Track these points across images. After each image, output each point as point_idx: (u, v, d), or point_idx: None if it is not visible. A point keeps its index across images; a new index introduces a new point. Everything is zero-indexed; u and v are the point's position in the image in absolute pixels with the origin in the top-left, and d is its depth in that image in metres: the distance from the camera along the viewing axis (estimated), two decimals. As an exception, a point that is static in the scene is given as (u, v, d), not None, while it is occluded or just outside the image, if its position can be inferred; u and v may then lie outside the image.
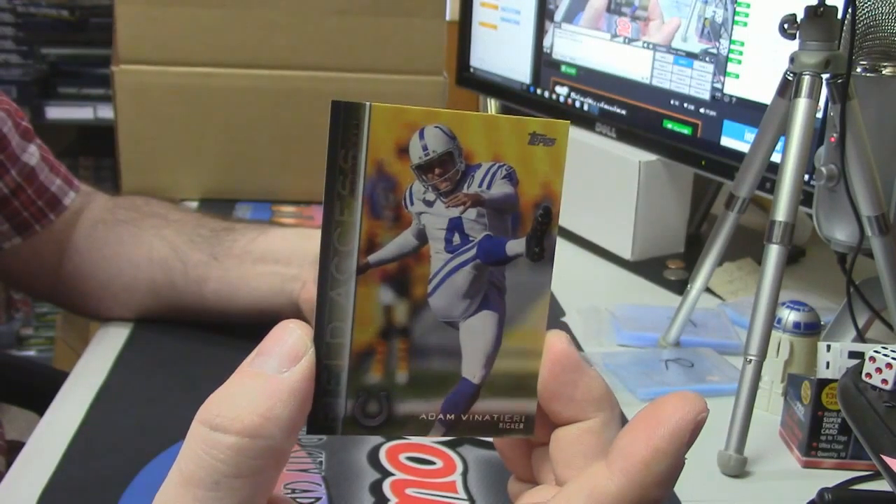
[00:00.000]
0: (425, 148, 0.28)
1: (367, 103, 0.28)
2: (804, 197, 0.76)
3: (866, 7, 0.73)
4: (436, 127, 0.28)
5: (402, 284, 0.29)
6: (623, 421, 0.30)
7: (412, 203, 0.29)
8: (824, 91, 0.72)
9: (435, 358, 0.30)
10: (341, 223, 0.28)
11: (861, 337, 0.77)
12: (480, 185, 0.29)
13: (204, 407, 0.27)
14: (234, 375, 0.28)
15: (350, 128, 0.28)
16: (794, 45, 0.73)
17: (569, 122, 0.30)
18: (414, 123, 0.28)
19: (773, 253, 0.70)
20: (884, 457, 0.50)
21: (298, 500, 0.61)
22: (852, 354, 0.68)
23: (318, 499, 0.61)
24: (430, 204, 0.29)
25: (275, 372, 0.27)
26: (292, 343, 0.28)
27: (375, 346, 0.29)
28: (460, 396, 0.30)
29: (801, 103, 0.71)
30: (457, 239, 0.29)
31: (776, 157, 0.75)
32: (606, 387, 0.30)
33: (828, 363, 0.69)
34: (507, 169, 0.29)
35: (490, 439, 0.71)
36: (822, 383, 0.67)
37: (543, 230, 0.30)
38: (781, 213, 0.70)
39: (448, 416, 0.30)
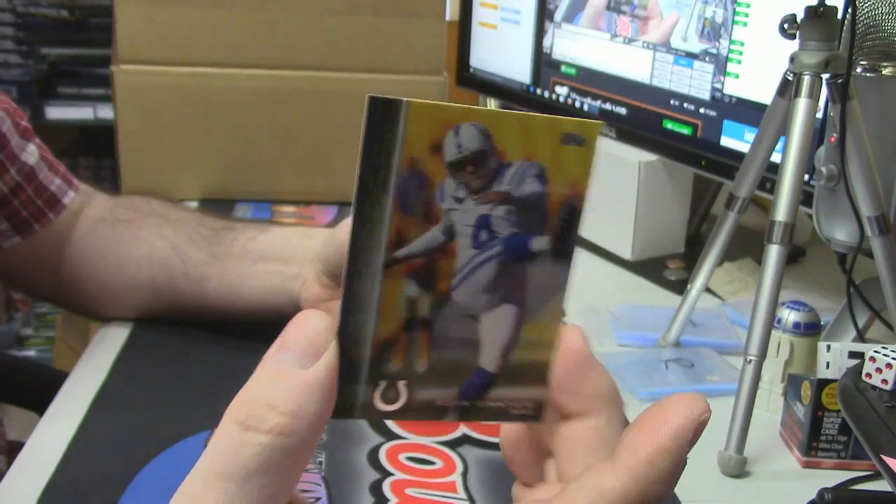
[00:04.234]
0: (460, 146, 0.28)
1: (405, 100, 0.28)
2: (804, 197, 0.76)
3: (866, 7, 0.73)
4: (471, 125, 0.28)
5: (427, 278, 0.29)
6: (624, 422, 0.30)
7: (443, 200, 0.29)
8: (824, 91, 0.72)
9: (454, 348, 0.30)
10: (371, 218, 0.28)
11: (861, 337, 0.77)
12: (511, 183, 0.29)
13: (234, 405, 0.28)
14: (260, 369, 0.28)
15: (386, 123, 0.28)
16: (794, 45, 0.73)
17: (601, 122, 0.30)
18: (450, 121, 0.28)
19: (773, 253, 0.70)
20: (884, 457, 0.50)
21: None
22: (852, 354, 0.68)
23: (318, 499, 0.61)
24: (460, 201, 0.29)
25: (298, 366, 0.28)
26: (314, 335, 0.28)
27: (397, 336, 0.29)
28: (477, 384, 0.30)
29: (801, 103, 0.71)
30: (484, 235, 0.30)
31: (776, 157, 0.75)
32: (614, 385, 0.31)
33: (828, 363, 0.69)
34: (539, 168, 0.29)
35: (492, 441, 0.71)
36: (822, 383, 0.67)
37: (568, 228, 0.30)
38: (781, 213, 0.70)
39: (463, 402, 0.30)
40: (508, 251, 0.30)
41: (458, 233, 0.29)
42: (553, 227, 0.30)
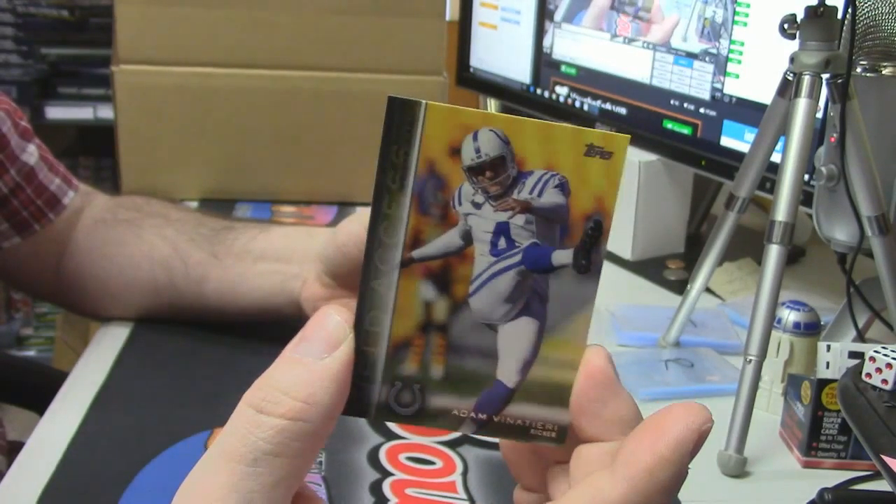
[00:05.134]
0: (478, 150, 0.29)
1: (424, 101, 0.28)
2: (804, 197, 0.76)
3: (866, 7, 0.73)
4: (490, 130, 0.28)
5: (443, 282, 0.29)
6: None
7: (460, 203, 0.29)
8: (824, 91, 0.72)
9: (471, 357, 0.30)
10: (388, 216, 0.29)
11: (861, 337, 0.77)
12: (531, 193, 0.29)
13: (251, 391, 0.29)
14: (279, 360, 0.29)
15: (404, 124, 0.28)
16: (794, 45, 0.73)
17: (629, 136, 0.29)
18: (468, 125, 0.28)
19: (773, 253, 0.70)
20: (884, 457, 0.50)
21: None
22: (852, 354, 0.68)
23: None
24: (478, 206, 0.29)
25: (316, 357, 0.28)
26: (332, 328, 0.29)
27: (413, 338, 0.30)
28: (494, 397, 0.30)
29: (801, 103, 0.71)
30: (502, 243, 0.29)
31: (776, 157, 0.75)
32: (636, 411, 0.30)
33: (828, 363, 0.69)
34: (560, 179, 0.29)
35: (492, 441, 0.71)
36: (822, 383, 0.67)
37: (592, 243, 0.30)
38: (781, 213, 0.70)
39: (480, 414, 0.30)
40: (528, 262, 0.29)
41: (475, 238, 0.29)
42: (576, 242, 0.29)
